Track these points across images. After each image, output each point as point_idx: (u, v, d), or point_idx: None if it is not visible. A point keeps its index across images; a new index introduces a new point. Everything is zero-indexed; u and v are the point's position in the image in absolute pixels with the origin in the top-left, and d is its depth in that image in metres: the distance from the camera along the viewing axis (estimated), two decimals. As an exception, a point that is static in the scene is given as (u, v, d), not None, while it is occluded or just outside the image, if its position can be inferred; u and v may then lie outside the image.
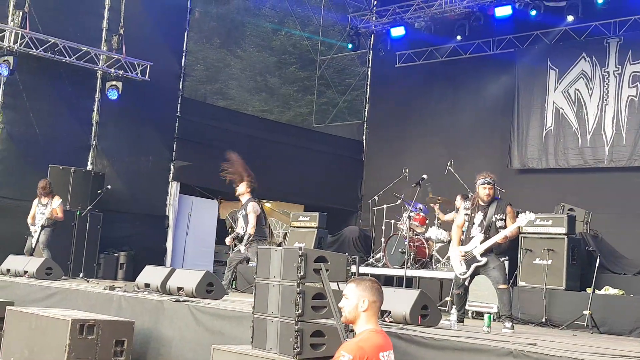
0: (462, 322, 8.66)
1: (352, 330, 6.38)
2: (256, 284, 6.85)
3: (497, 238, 8.52)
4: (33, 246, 12.86)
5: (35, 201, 13.00)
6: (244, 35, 28.60)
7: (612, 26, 16.13)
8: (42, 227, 12.75)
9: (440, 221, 13.68)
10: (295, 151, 19.69)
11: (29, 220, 12.96)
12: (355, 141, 21.26)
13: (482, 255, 8.58)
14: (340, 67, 24.12)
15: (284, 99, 27.65)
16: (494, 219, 8.59)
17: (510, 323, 8.39)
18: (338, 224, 17.78)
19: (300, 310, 6.25)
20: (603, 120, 16.02)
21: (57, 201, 12.76)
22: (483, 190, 8.69)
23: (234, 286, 14.91)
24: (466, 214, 8.86)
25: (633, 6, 15.56)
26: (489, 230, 8.59)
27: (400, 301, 7.60)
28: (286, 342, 6.30)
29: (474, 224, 8.73)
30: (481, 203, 8.74)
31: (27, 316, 8.74)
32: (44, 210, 12.77)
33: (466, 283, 8.83)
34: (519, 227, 8.65)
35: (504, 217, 8.57)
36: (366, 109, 21.48)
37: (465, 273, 8.71)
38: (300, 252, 6.33)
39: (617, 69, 16.02)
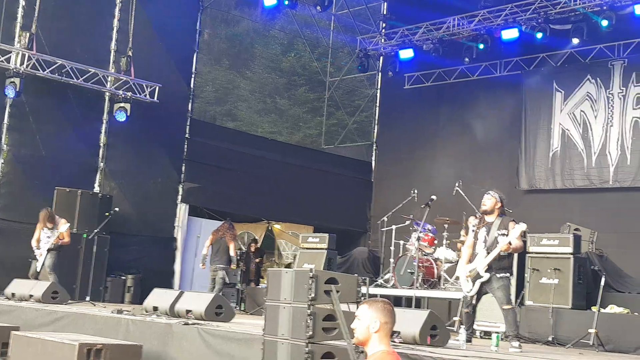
0: (470, 341, 8.62)
1: (363, 352, 6.36)
2: (267, 306, 6.82)
3: (495, 252, 8.52)
4: (38, 270, 12.78)
5: (39, 224, 12.92)
6: (253, 57, 28.66)
7: (617, 49, 16.23)
8: (48, 250, 12.68)
9: (448, 242, 13.67)
10: (305, 172, 19.70)
11: (34, 243, 12.81)
12: (364, 162, 21.26)
13: (485, 271, 8.57)
14: (349, 89, 24.13)
15: (293, 121, 27.66)
16: (496, 235, 8.61)
17: (517, 342, 8.41)
18: (347, 245, 17.74)
19: (311, 332, 6.22)
20: (608, 142, 16.08)
21: (64, 225, 12.70)
22: (481, 201, 8.75)
23: (242, 308, 14.90)
24: (473, 230, 8.88)
25: (637, 29, 15.58)
26: (492, 246, 8.61)
27: (410, 322, 7.57)
28: (296, 364, 6.27)
29: (478, 239, 8.77)
30: (487, 220, 8.76)
31: (33, 341, 8.63)
32: (50, 233, 12.68)
33: (474, 302, 8.81)
34: (524, 242, 8.69)
35: (506, 233, 8.58)
36: (375, 131, 21.50)
37: (471, 290, 8.69)
38: (311, 273, 6.31)
39: (621, 91, 16.08)
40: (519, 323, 8.76)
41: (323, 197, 19.72)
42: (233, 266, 14.99)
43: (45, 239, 12.71)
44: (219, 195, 17.86)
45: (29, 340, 8.75)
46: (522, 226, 8.48)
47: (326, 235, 14.97)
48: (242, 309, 15.21)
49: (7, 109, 14.74)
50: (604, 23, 14.99)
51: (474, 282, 8.67)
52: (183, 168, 17.36)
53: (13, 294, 12.21)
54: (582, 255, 11.39)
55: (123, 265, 15.67)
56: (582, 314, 10.50)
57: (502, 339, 8.94)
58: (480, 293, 8.75)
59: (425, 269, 13.29)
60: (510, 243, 8.47)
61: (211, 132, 18.89)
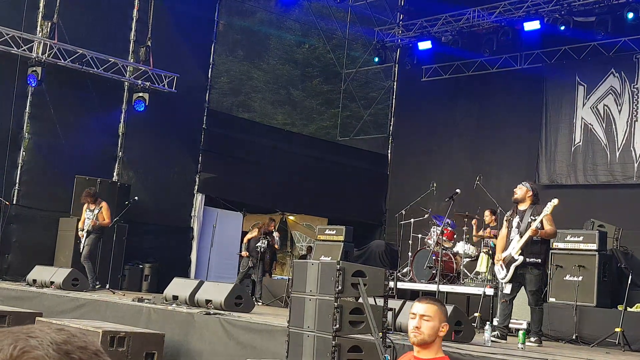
0: (506, 339, 8.54)
1: (390, 346, 6.32)
2: (292, 298, 6.78)
3: (529, 232, 8.57)
4: (81, 251, 12.73)
5: (85, 206, 12.87)
6: (268, 48, 28.67)
7: (642, 42, 16.02)
8: (88, 232, 12.63)
9: (467, 236, 13.57)
10: (320, 164, 19.65)
11: (80, 225, 12.84)
12: (380, 155, 21.16)
13: (519, 254, 8.65)
14: (365, 81, 24.05)
15: (307, 112, 27.65)
16: (529, 220, 8.69)
17: (536, 338, 8.48)
18: (361, 237, 17.67)
19: (337, 325, 6.17)
20: (632, 137, 15.88)
21: (104, 207, 12.65)
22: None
23: (258, 299, 14.87)
24: (507, 220, 8.92)
25: (663, 22, 15.42)
26: (526, 230, 8.70)
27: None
28: (323, 357, 6.23)
29: (512, 227, 8.86)
30: (520, 209, 8.88)
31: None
32: (90, 215, 12.67)
33: (510, 291, 8.80)
34: (554, 229, 8.73)
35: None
36: (391, 123, 21.37)
37: (506, 276, 8.69)
38: (338, 266, 6.26)
39: (646, 85, 15.91)
40: (542, 322, 8.78)
41: (338, 189, 19.68)
42: (244, 253, 15.17)
43: (87, 221, 12.67)
44: (234, 186, 17.85)
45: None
46: (554, 201, 8.57)
47: (343, 227, 14.91)
48: (258, 299, 15.18)
49: (29, 98, 14.80)
50: (630, 15, 14.84)
51: (507, 267, 8.70)
52: (200, 158, 17.34)
53: (34, 281, 12.30)
54: (607, 252, 11.23)
55: (140, 254, 15.74)
56: (607, 313, 10.32)
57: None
58: (516, 283, 8.76)
59: (444, 264, 13.20)
60: (537, 229, 8.48)
61: (227, 122, 18.91)
